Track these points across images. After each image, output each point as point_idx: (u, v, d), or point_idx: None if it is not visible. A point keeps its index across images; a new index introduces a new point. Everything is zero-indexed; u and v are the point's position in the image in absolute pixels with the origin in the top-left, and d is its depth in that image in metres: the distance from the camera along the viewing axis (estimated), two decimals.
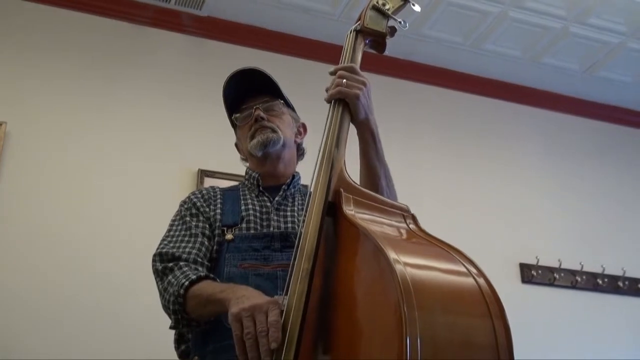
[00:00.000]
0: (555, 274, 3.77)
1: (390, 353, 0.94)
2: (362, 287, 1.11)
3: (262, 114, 1.77)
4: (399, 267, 0.97)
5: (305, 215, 1.27)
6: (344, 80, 1.46)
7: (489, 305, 1.01)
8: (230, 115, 1.86)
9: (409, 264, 0.99)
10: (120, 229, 3.04)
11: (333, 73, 1.50)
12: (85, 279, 2.88)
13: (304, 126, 1.93)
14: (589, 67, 4.13)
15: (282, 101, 1.84)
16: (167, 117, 3.39)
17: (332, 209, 1.23)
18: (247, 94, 1.83)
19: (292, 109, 1.91)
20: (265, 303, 1.22)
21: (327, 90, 1.48)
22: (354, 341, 1.06)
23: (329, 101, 1.47)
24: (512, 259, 3.74)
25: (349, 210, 1.19)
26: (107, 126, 3.26)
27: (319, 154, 1.35)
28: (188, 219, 1.70)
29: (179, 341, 1.66)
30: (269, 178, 1.80)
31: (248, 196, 1.76)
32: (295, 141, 1.86)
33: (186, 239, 1.64)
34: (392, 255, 1.00)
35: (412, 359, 0.89)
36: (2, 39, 3.28)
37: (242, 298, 1.28)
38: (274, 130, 1.76)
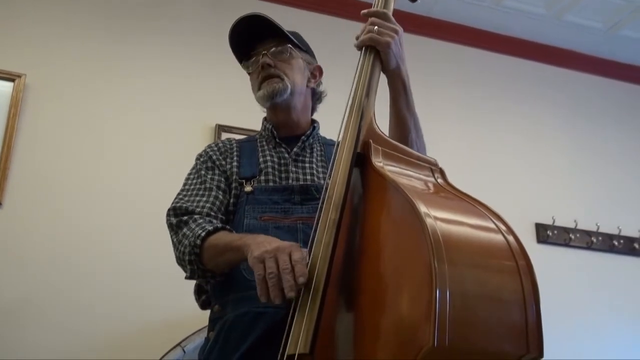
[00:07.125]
0: (571, 235, 3.76)
1: (419, 306, 0.93)
2: (390, 240, 1.10)
3: (268, 60, 1.69)
4: (429, 221, 0.96)
5: (332, 166, 1.25)
6: (376, 27, 1.42)
7: (517, 262, 1.00)
8: (240, 61, 1.78)
9: (439, 218, 0.98)
10: (137, 182, 3.04)
11: (366, 15, 1.47)
12: (102, 230, 2.91)
13: (319, 69, 1.84)
14: (612, 26, 4.05)
15: (290, 45, 1.74)
16: (185, 72, 3.37)
17: (360, 160, 1.21)
18: (256, 40, 1.74)
19: (307, 51, 1.82)
20: (288, 245, 1.21)
21: (357, 38, 1.45)
22: (380, 295, 1.05)
23: (359, 48, 1.44)
24: (528, 219, 3.72)
25: (378, 162, 1.17)
26: (125, 80, 3.25)
27: (348, 102, 1.32)
28: (203, 172, 1.68)
29: (198, 292, 1.66)
30: (285, 128, 1.75)
31: (266, 147, 1.72)
32: (307, 86, 1.78)
33: (200, 192, 1.63)
34: (422, 209, 0.98)
35: (442, 313, 0.89)
36: None
37: (264, 242, 1.26)
38: (281, 79, 1.68)
